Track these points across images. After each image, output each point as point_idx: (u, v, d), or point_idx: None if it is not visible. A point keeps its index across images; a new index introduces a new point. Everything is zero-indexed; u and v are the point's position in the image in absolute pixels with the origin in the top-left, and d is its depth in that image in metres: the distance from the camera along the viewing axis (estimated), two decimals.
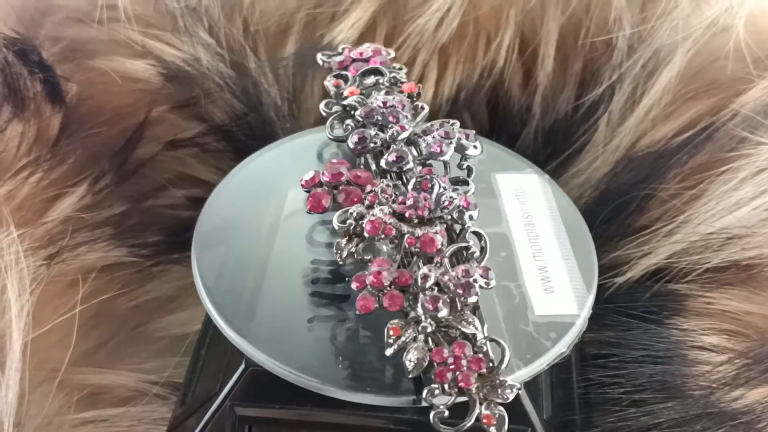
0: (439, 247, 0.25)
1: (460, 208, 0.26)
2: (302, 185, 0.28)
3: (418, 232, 0.25)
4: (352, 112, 0.30)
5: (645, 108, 0.38)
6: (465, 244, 0.26)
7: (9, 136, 0.35)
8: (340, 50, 0.34)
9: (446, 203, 0.26)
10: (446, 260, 0.25)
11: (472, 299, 0.24)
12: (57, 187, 0.36)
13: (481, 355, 0.24)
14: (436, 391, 0.24)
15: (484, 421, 0.24)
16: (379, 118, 0.29)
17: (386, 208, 0.26)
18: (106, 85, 0.38)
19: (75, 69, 0.38)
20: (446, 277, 0.24)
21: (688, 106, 0.38)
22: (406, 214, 0.25)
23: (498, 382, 0.24)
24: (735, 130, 0.35)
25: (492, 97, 0.42)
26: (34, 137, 0.36)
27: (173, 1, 0.38)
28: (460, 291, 0.24)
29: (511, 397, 0.24)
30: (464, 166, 0.30)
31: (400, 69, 0.33)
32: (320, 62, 0.34)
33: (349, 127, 0.30)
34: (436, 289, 0.24)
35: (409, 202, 0.26)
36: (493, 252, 0.28)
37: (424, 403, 0.24)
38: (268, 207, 0.33)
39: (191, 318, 0.38)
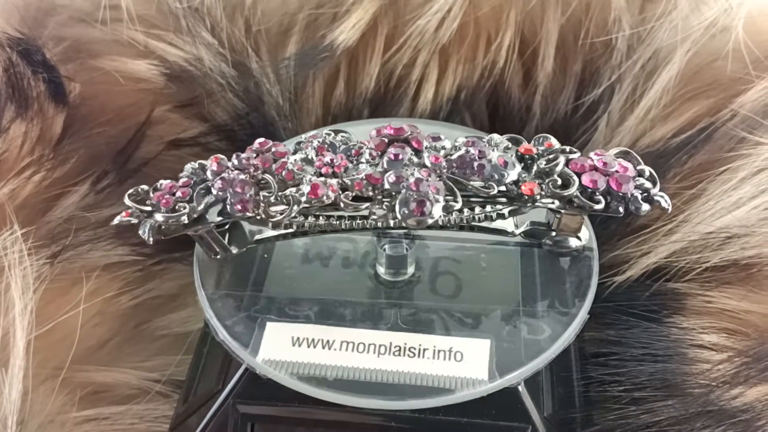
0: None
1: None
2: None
3: (310, 175, 0.29)
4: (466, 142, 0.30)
5: (644, 108, 0.38)
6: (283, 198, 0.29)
7: (12, 135, 0.35)
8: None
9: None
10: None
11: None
12: (60, 186, 0.36)
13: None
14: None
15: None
16: (458, 153, 0.30)
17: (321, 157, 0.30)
18: (109, 85, 0.38)
19: (78, 69, 0.38)
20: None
21: (688, 106, 0.38)
22: (323, 170, 0.29)
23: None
24: (734, 131, 0.35)
25: (492, 97, 0.42)
26: (37, 136, 0.36)
27: (176, 1, 0.38)
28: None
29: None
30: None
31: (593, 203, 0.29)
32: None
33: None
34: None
35: (334, 162, 0.29)
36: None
37: None
38: (256, 258, 0.33)
39: (193, 316, 0.38)
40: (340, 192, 0.29)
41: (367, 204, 0.29)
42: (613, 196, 0.29)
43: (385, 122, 0.31)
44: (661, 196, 0.29)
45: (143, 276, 0.38)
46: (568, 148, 0.30)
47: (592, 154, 0.30)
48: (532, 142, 0.31)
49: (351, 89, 0.41)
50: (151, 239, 0.29)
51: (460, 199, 0.29)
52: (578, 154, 0.30)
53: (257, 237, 0.32)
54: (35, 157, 0.35)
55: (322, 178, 0.29)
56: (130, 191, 0.30)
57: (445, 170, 0.29)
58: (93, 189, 0.37)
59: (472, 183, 0.29)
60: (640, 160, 0.30)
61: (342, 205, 0.29)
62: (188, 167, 0.31)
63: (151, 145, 0.39)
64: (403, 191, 0.28)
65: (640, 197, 0.29)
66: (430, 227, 0.30)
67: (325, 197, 0.28)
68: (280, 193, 0.29)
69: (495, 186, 0.29)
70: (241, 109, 0.40)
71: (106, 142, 0.38)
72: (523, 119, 0.42)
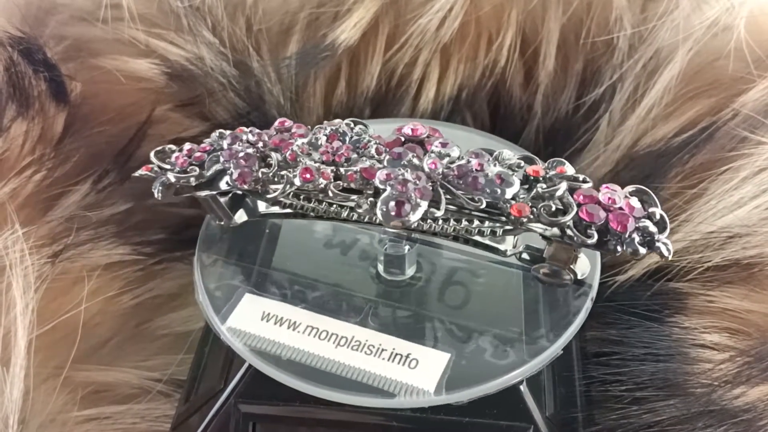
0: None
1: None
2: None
3: (313, 162, 0.29)
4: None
5: (646, 107, 0.38)
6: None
7: (13, 134, 0.35)
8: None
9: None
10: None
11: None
12: (61, 186, 0.36)
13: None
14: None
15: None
16: (459, 162, 0.29)
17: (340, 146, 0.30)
18: (110, 84, 0.38)
19: (79, 68, 0.38)
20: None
21: (689, 105, 0.38)
22: (324, 156, 0.30)
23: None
24: (736, 130, 0.35)
25: (493, 97, 0.42)
26: (39, 136, 0.36)
27: (177, 0, 0.38)
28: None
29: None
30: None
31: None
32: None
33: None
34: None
35: (338, 151, 0.30)
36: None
37: None
38: (262, 233, 0.34)
39: (194, 315, 0.38)
40: (332, 180, 0.29)
41: (355, 197, 0.29)
42: (611, 234, 0.28)
43: (403, 122, 0.30)
44: (664, 244, 0.28)
45: (144, 275, 0.38)
46: (581, 177, 0.29)
47: (602, 187, 0.29)
48: (546, 164, 0.30)
49: (352, 88, 0.41)
50: (159, 195, 0.31)
51: (443, 207, 0.28)
52: (590, 184, 0.29)
53: (261, 211, 0.33)
54: (36, 156, 0.35)
55: (317, 164, 0.29)
56: (158, 149, 0.32)
57: (439, 177, 0.28)
58: (94, 188, 0.37)
59: (462, 194, 0.28)
60: (656, 202, 0.29)
61: (330, 193, 0.29)
62: (213, 135, 0.32)
63: (152, 144, 0.39)
64: (389, 190, 0.28)
65: (637, 240, 0.27)
66: (423, 232, 0.29)
67: (315, 183, 0.29)
68: (280, 172, 0.29)
69: (484, 200, 0.28)
70: (242, 109, 0.40)
71: (107, 141, 0.38)
72: (524, 118, 0.41)
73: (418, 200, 0.28)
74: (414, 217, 0.28)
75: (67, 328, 0.34)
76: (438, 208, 0.28)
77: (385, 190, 0.28)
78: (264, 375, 0.29)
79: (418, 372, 0.29)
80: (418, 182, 0.28)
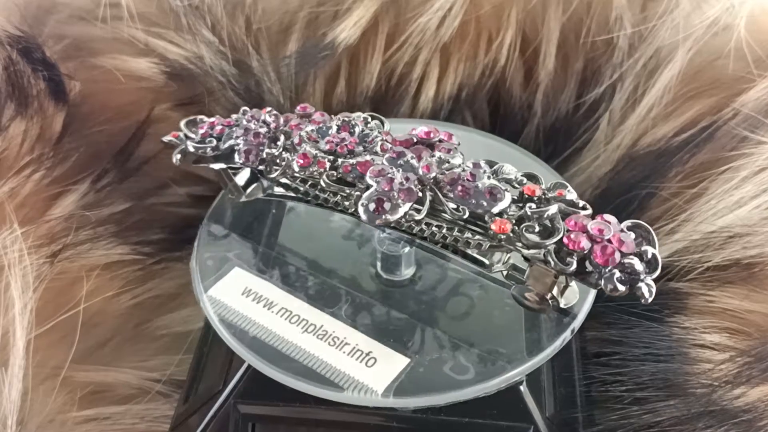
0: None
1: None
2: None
3: (313, 150, 0.30)
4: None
5: (646, 107, 0.38)
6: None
7: (12, 133, 0.35)
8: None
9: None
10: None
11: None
12: (60, 185, 0.36)
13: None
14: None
15: None
16: (455, 170, 0.29)
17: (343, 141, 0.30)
18: (109, 83, 0.38)
19: (78, 67, 0.38)
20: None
21: (689, 105, 0.38)
22: (327, 145, 0.30)
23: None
24: (736, 129, 0.35)
25: (493, 96, 0.42)
26: (37, 135, 0.36)
27: None
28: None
29: None
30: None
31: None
32: None
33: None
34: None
35: (342, 141, 0.30)
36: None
37: None
38: (269, 213, 0.35)
39: (193, 315, 0.38)
40: (326, 169, 0.29)
41: (349, 189, 0.29)
42: (593, 265, 0.26)
43: (416, 123, 0.31)
44: (648, 285, 0.26)
45: (143, 275, 0.38)
46: (581, 203, 0.28)
47: (597, 217, 0.27)
48: (548, 185, 0.29)
49: (352, 87, 0.41)
50: (177, 162, 0.32)
51: (424, 211, 0.28)
52: (588, 211, 0.28)
53: (270, 191, 0.34)
54: (35, 155, 0.35)
55: (315, 152, 0.30)
56: (189, 118, 0.33)
57: (431, 181, 0.28)
58: (93, 187, 0.37)
59: (448, 201, 0.28)
60: (654, 241, 0.27)
61: (323, 183, 0.29)
62: (241, 111, 0.33)
63: (152, 143, 0.39)
64: (374, 186, 0.28)
65: (617, 276, 0.26)
66: (413, 234, 0.29)
67: (309, 169, 0.29)
68: (283, 155, 0.30)
69: (467, 211, 0.28)
70: (241, 107, 0.40)
71: (107, 141, 0.38)
72: (524, 117, 0.41)
73: (400, 201, 0.27)
74: (393, 217, 0.27)
75: (66, 328, 0.34)
76: (419, 212, 0.28)
77: (372, 186, 0.28)
78: (263, 375, 0.29)
79: (373, 371, 0.29)
80: (405, 183, 0.28)
